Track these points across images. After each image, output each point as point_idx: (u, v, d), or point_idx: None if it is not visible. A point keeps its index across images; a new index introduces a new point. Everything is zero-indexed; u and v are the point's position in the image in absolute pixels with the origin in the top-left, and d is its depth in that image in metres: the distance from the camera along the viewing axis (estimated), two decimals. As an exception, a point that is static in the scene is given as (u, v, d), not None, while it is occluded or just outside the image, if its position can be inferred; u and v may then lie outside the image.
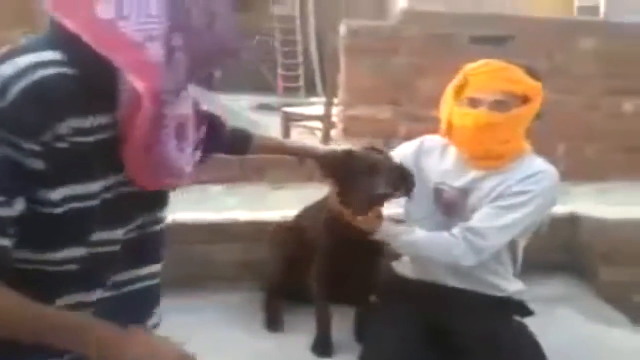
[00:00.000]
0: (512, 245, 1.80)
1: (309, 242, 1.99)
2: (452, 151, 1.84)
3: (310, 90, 10.77)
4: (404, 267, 1.96)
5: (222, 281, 2.35)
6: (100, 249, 0.93)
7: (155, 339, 0.99)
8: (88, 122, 0.87)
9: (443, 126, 1.78)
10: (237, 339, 2.03)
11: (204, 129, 1.07)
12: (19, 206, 0.82)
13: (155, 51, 0.87)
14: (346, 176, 1.69)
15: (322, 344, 1.94)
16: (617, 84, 3.61)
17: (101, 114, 0.88)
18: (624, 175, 3.60)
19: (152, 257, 1.08)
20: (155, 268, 1.08)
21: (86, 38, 0.84)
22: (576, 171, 3.41)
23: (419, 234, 1.75)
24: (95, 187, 0.90)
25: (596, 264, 2.51)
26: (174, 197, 1.11)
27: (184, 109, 0.95)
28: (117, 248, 0.96)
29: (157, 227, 1.06)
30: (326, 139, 4.43)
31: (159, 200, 1.05)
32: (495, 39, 3.41)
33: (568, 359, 1.91)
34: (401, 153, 1.91)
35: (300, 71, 11.59)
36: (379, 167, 1.67)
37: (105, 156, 0.89)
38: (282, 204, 2.78)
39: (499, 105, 1.67)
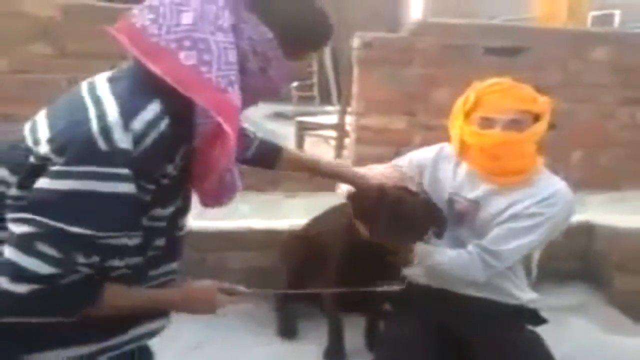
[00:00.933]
0: (525, 256, 1.80)
1: (318, 251, 2.00)
2: (465, 173, 1.83)
3: (325, 99, 10.80)
4: (416, 275, 1.97)
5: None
6: (151, 253, 1.11)
7: (196, 287, 1.23)
8: (178, 157, 1.04)
9: (455, 145, 1.79)
10: (249, 345, 2.06)
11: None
12: (137, 240, 1.02)
13: (236, 94, 1.01)
14: (377, 218, 1.62)
15: (334, 353, 1.96)
16: (632, 94, 3.60)
17: (183, 145, 1.04)
18: (639, 183, 3.59)
19: (179, 254, 1.24)
20: (178, 264, 1.25)
21: (171, 81, 0.97)
22: (591, 180, 3.43)
23: (448, 254, 1.74)
24: (171, 209, 1.10)
25: (611, 273, 2.51)
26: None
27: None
28: (160, 252, 1.14)
29: (185, 230, 1.22)
30: (339, 148, 4.46)
31: (190, 207, 1.21)
32: (510, 49, 3.42)
33: None
34: (422, 157, 1.91)
35: (315, 80, 11.62)
36: (411, 213, 1.62)
37: (182, 182, 1.08)
38: (295, 212, 2.81)
39: (514, 125, 1.66)
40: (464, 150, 1.77)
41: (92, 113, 0.94)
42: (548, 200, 1.69)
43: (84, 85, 1.03)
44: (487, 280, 1.76)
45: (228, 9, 1.02)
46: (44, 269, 0.91)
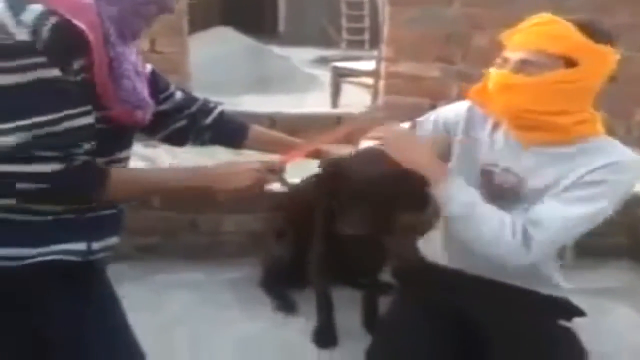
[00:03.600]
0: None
1: (306, 215, 1.76)
2: (501, 137, 1.53)
3: (375, 43, 10.40)
4: (430, 249, 1.68)
5: (228, 255, 2.21)
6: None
7: (236, 165, 1.23)
8: (76, 64, 1.03)
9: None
10: (238, 320, 1.88)
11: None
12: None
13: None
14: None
15: (324, 333, 1.75)
16: None
17: (77, 56, 1.03)
18: None
19: None
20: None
21: None
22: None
23: (481, 203, 1.41)
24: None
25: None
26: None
27: (133, 58, 1.17)
28: None
29: (124, 164, 1.22)
30: (375, 95, 4.14)
31: (128, 142, 1.22)
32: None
33: None
34: (449, 118, 1.61)
35: (366, 23, 11.18)
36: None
37: (87, 94, 1.05)
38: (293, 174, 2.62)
39: (524, 66, 1.35)
40: (483, 96, 1.48)
41: None
42: (611, 166, 1.35)
43: None
44: (519, 265, 1.44)
45: None
46: (49, 167, 1.00)
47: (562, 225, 1.35)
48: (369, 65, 4.61)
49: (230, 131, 1.50)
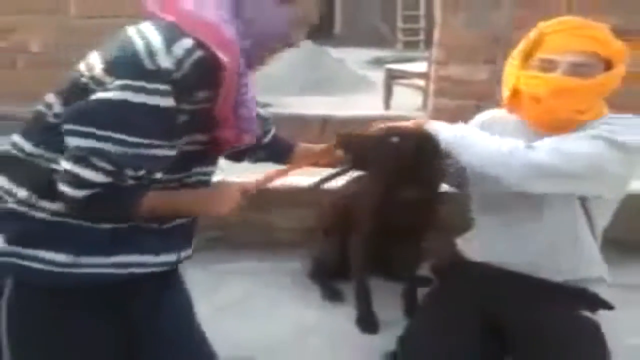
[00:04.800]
0: (589, 224, 1.58)
1: (350, 214, 1.92)
2: (514, 125, 1.61)
3: (431, 44, 10.35)
4: (468, 247, 1.78)
5: (280, 246, 2.34)
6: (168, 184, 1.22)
7: (220, 188, 1.32)
8: (202, 94, 1.12)
9: (506, 93, 1.55)
10: (289, 305, 2.03)
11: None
12: (174, 152, 1.14)
13: (229, 30, 1.13)
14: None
15: (365, 319, 1.87)
16: None
17: (206, 88, 1.12)
18: None
19: None
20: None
21: (177, 23, 1.10)
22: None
23: (473, 129, 1.58)
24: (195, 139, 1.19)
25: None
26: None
27: (250, 83, 1.22)
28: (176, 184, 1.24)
29: (208, 178, 1.32)
30: (426, 98, 4.19)
31: (213, 160, 1.31)
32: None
33: None
34: (474, 123, 1.74)
35: (422, 23, 11.14)
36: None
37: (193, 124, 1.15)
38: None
39: (579, 68, 1.42)
40: (515, 100, 1.53)
41: (138, 41, 1.08)
42: (607, 124, 1.45)
43: (130, 28, 1.13)
44: (545, 251, 1.53)
45: None
46: (98, 178, 1.06)
47: (555, 147, 1.41)
48: (421, 66, 4.66)
49: (280, 150, 1.60)
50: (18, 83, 2.89)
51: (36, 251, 1.11)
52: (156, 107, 1.06)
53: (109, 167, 1.06)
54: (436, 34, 3.10)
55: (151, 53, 1.06)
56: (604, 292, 1.65)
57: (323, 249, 2.11)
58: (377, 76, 6.34)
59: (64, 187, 1.07)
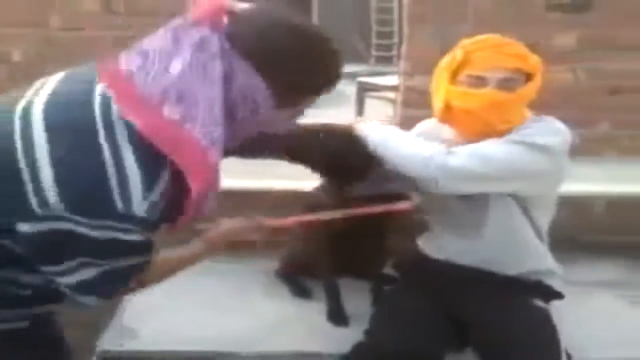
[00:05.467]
0: (530, 221, 1.72)
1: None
2: (447, 132, 1.75)
3: (403, 60, 10.59)
4: (427, 245, 1.92)
5: (257, 247, 2.41)
6: None
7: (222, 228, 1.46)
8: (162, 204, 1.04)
9: (437, 109, 1.69)
10: (261, 302, 2.14)
11: None
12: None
13: (217, 153, 1.01)
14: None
15: (335, 314, 1.98)
16: None
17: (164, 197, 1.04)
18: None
19: None
20: None
21: (149, 137, 0.97)
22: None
23: (398, 131, 1.72)
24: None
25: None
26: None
27: None
28: None
29: None
30: (395, 109, 4.33)
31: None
32: (578, 4, 3.13)
33: (605, 346, 1.84)
34: (420, 130, 1.90)
35: (395, 39, 11.39)
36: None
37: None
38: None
39: (507, 83, 1.57)
40: (447, 114, 1.67)
41: (112, 175, 0.96)
42: (525, 128, 1.61)
43: (103, 139, 0.98)
44: (492, 248, 1.66)
45: (220, 56, 1.00)
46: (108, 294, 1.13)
47: (474, 152, 1.56)
48: (392, 80, 4.83)
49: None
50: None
51: None
52: (131, 241, 1.03)
53: (113, 287, 1.12)
54: (403, 47, 3.25)
55: (125, 197, 0.97)
56: (557, 284, 1.79)
57: (291, 248, 2.23)
58: (351, 90, 6.48)
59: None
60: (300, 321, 2.01)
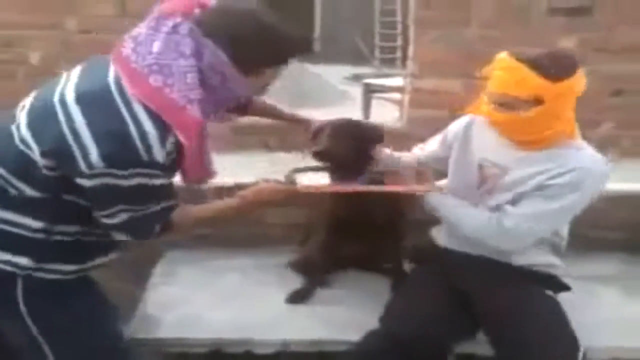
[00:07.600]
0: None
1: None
2: (490, 134, 1.83)
3: (406, 61, 10.62)
4: (439, 236, 2.00)
5: (270, 242, 2.52)
6: None
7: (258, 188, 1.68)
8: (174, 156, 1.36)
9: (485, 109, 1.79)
10: (278, 293, 2.21)
11: None
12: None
13: (194, 110, 1.31)
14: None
15: (298, 295, 2.12)
16: None
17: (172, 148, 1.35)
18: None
19: None
20: None
21: (143, 100, 1.28)
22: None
23: (462, 210, 1.81)
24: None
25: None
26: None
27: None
28: None
29: None
30: (403, 109, 4.40)
31: None
32: (579, 9, 3.20)
33: (607, 337, 1.91)
34: (454, 129, 1.98)
35: (399, 41, 11.45)
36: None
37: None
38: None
39: (503, 106, 1.64)
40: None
41: (134, 131, 1.27)
42: (576, 171, 1.65)
43: (121, 104, 1.29)
44: (500, 246, 1.74)
45: (190, 37, 1.30)
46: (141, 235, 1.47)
47: (528, 218, 1.68)
48: (398, 81, 4.91)
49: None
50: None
51: (55, 265, 1.42)
52: (157, 185, 1.36)
53: (146, 228, 1.47)
54: (411, 50, 3.33)
55: (147, 147, 1.28)
56: (562, 277, 1.87)
57: (309, 245, 2.33)
58: (357, 91, 6.56)
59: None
60: (314, 310, 2.10)
